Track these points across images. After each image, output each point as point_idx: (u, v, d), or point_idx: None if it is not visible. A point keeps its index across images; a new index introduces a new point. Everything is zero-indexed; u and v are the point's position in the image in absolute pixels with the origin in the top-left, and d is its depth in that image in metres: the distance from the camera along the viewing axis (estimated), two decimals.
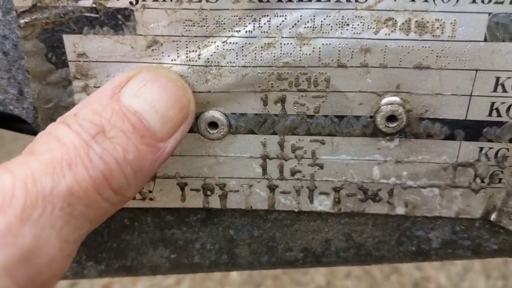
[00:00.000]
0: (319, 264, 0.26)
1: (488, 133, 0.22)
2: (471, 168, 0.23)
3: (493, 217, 0.24)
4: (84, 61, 0.22)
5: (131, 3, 0.20)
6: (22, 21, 0.21)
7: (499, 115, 0.22)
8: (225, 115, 0.23)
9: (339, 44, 0.21)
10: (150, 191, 0.25)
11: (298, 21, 0.20)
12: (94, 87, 0.22)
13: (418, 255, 0.26)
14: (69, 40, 0.21)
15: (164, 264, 0.27)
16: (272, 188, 0.24)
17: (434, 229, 0.25)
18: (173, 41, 0.21)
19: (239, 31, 0.21)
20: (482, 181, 0.23)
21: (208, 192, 0.25)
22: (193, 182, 0.24)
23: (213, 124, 0.23)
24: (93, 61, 0.22)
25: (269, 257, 0.26)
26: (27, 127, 0.26)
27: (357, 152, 0.23)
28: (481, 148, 0.23)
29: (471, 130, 0.22)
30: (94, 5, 0.21)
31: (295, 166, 0.24)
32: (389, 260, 0.26)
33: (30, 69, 0.22)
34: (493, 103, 0.22)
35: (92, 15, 0.21)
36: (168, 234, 0.26)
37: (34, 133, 0.28)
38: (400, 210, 0.24)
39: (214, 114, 0.23)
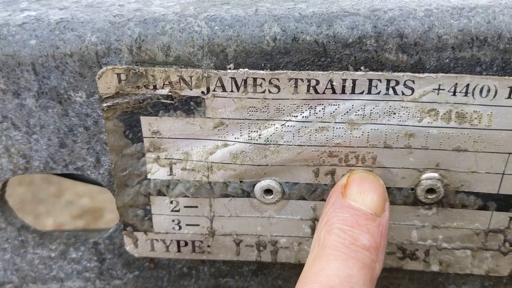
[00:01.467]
0: None
1: None
2: (501, 234, 0.26)
3: None
4: (157, 138, 0.25)
5: (203, 92, 0.23)
6: (105, 105, 0.24)
7: None
8: (280, 183, 0.25)
9: (386, 129, 0.23)
10: (208, 246, 0.28)
11: (349, 110, 0.23)
12: (165, 158, 0.25)
13: None
14: (145, 121, 0.24)
15: None
16: None
17: (465, 284, 0.28)
18: (237, 123, 0.24)
19: (297, 116, 0.23)
20: (511, 245, 0.26)
21: (261, 248, 0.27)
22: (248, 239, 0.27)
23: (269, 191, 0.26)
24: (165, 138, 0.25)
25: None
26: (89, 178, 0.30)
27: (398, 217, 0.26)
28: (511, 218, 0.25)
29: (503, 202, 0.25)
30: (170, 94, 0.23)
31: None
32: None
33: (109, 143, 0.25)
34: None
35: (168, 101, 0.24)
36: (222, 282, 0.29)
37: (93, 182, 0.31)
38: (435, 268, 0.27)
39: (270, 183, 0.25)
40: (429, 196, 0.25)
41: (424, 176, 0.24)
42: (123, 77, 0.23)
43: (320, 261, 0.21)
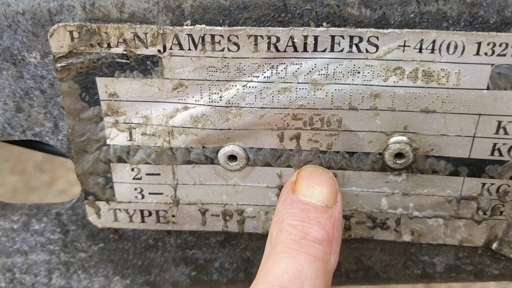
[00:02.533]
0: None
1: (490, 170, 0.24)
2: (474, 201, 0.25)
3: (494, 246, 0.26)
4: (115, 100, 0.24)
5: (159, 51, 0.22)
6: (58, 65, 0.23)
7: (500, 154, 0.23)
8: (244, 149, 0.25)
9: (351, 89, 0.22)
10: (173, 216, 0.27)
11: (312, 69, 0.22)
12: (124, 123, 0.24)
13: (423, 278, 0.28)
14: (101, 82, 0.23)
15: (184, 280, 0.29)
16: None
17: (439, 255, 0.27)
18: (197, 84, 0.23)
19: (258, 76, 0.22)
20: (484, 213, 0.25)
21: (227, 217, 0.27)
22: (213, 208, 0.26)
23: (233, 157, 0.25)
24: (123, 100, 0.24)
25: None
26: (47, 147, 0.29)
27: (367, 184, 0.25)
28: (484, 184, 0.24)
29: (474, 167, 0.24)
30: (125, 52, 0.22)
31: None
32: (395, 282, 0.28)
33: (65, 106, 0.24)
34: (495, 144, 0.23)
35: (123, 61, 0.23)
36: (189, 254, 0.28)
37: (55, 152, 0.30)
38: (406, 238, 0.26)
39: (234, 148, 0.24)
40: (397, 161, 0.24)
41: (392, 140, 0.23)
42: (75, 34, 0.22)
43: (270, 260, 0.21)
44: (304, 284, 0.20)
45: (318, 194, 0.23)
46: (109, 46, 0.22)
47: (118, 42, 0.22)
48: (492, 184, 0.24)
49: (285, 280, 0.20)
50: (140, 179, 0.26)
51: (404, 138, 0.23)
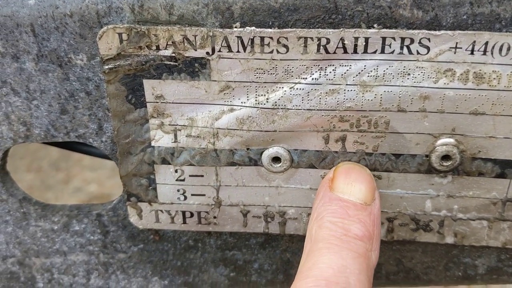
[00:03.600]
0: None
1: None
2: None
3: None
4: (161, 102, 0.24)
5: (207, 53, 0.22)
6: (106, 67, 0.23)
7: None
8: (288, 151, 0.24)
9: (400, 91, 0.22)
10: (215, 217, 0.27)
11: (362, 70, 0.22)
12: (169, 124, 0.24)
13: (464, 279, 0.27)
14: (148, 84, 0.23)
15: (223, 281, 0.29)
16: None
17: (481, 257, 0.27)
18: (244, 86, 0.23)
19: (306, 78, 0.22)
20: None
21: (269, 219, 0.27)
22: (255, 210, 0.26)
23: (277, 159, 0.25)
24: (169, 102, 0.24)
25: None
26: (87, 149, 0.29)
27: (412, 186, 0.25)
28: None
29: None
30: (173, 54, 0.22)
31: None
32: (436, 283, 0.28)
33: (111, 108, 0.24)
34: None
35: (171, 63, 0.23)
36: (228, 255, 0.28)
37: (95, 154, 0.30)
38: (449, 240, 0.26)
39: (278, 150, 0.24)
40: (444, 163, 0.24)
41: (440, 142, 0.23)
42: (124, 37, 0.22)
43: (313, 255, 0.21)
44: (349, 278, 0.20)
45: (357, 192, 0.23)
46: (158, 48, 0.22)
47: (167, 44, 0.22)
48: None
49: (330, 275, 0.20)
50: (183, 180, 0.26)
51: (451, 140, 0.23)
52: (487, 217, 0.25)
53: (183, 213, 0.27)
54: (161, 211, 0.27)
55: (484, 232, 0.26)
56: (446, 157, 0.24)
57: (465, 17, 0.21)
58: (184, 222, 0.27)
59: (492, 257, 0.27)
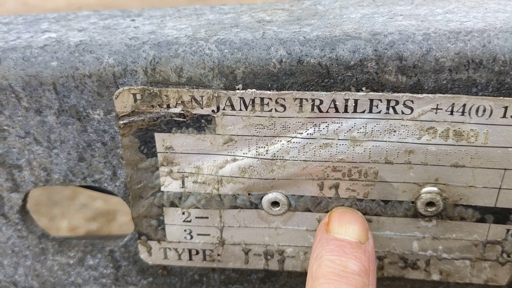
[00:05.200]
0: None
1: None
2: (498, 245, 0.27)
3: None
4: (170, 152, 0.26)
5: (213, 111, 0.25)
6: (121, 122, 0.25)
7: None
8: (286, 196, 0.27)
9: (387, 146, 0.25)
10: (218, 254, 0.29)
11: (352, 127, 0.24)
12: (178, 172, 0.27)
13: None
14: (159, 137, 0.26)
15: None
16: None
17: None
18: (246, 140, 0.25)
19: (302, 133, 0.25)
20: (508, 256, 0.27)
21: (269, 257, 0.29)
22: (256, 248, 0.29)
23: (275, 203, 0.27)
24: (178, 153, 0.26)
25: None
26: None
27: (399, 229, 0.27)
28: (508, 230, 0.26)
29: (500, 215, 0.26)
30: (182, 112, 0.25)
31: None
32: None
33: (125, 158, 0.26)
34: None
35: (180, 119, 0.25)
36: None
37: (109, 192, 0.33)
38: (435, 277, 0.28)
39: (277, 195, 0.27)
40: (429, 209, 0.26)
41: (424, 190, 0.26)
42: (138, 96, 0.25)
43: None
44: None
45: (351, 232, 0.25)
46: (168, 106, 0.25)
47: (176, 103, 0.25)
48: None
49: None
50: (190, 221, 0.28)
51: (435, 188, 0.25)
52: (469, 257, 0.27)
53: (189, 250, 0.29)
54: (169, 248, 0.29)
55: (467, 270, 0.28)
56: (430, 204, 0.26)
57: (444, 82, 0.23)
58: (190, 259, 0.29)
59: None
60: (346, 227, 0.25)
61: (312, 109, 0.24)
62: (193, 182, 0.27)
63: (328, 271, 0.23)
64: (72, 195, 1.30)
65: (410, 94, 0.23)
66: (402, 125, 0.24)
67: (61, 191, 1.30)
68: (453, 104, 0.23)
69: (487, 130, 0.24)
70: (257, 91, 0.24)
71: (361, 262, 0.24)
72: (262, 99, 0.24)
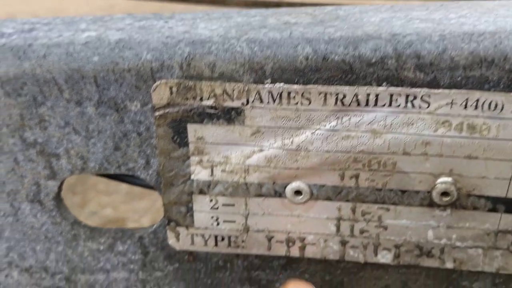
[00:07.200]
0: None
1: None
2: (509, 234, 0.28)
3: None
4: (201, 143, 0.28)
5: (243, 103, 0.27)
6: (157, 113, 0.27)
7: None
8: (309, 185, 0.29)
9: (405, 138, 0.26)
10: (243, 241, 0.31)
11: (372, 120, 0.26)
12: (207, 161, 0.28)
13: None
14: (191, 128, 0.28)
15: None
16: (343, 243, 0.30)
17: (478, 280, 0.30)
18: (272, 131, 0.27)
19: (325, 125, 0.27)
20: None
21: (290, 244, 0.30)
22: (278, 235, 0.30)
23: (298, 192, 0.29)
24: (208, 143, 0.28)
25: None
26: (131, 180, 0.33)
27: (415, 218, 0.29)
28: None
29: (510, 205, 0.27)
30: (214, 104, 0.27)
31: (364, 226, 0.29)
32: None
33: (158, 147, 0.28)
34: None
35: (212, 111, 0.27)
36: (253, 275, 0.32)
37: (139, 185, 0.35)
38: (449, 265, 0.30)
39: (300, 184, 0.29)
40: (443, 199, 0.28)
41: (439, 180, 0.27)
42: (174, 89, 0.26)
43: None
44: None
45: None
46: (201, 99, 0.27)
47: (209, 96, 0.26)
48: None
49: None
50: (217, 209, 0.30)
51: (449, 179, 0.27)
52: (482, 245, 0.29)
53: (216, 237, 0.31)
54: (196, 234, 0.31)
55: (480, 258, 0.29)
56: (445, 194, 0.27)
57: (459, 78, 0.25)
58: (216, 245, 0.31)
59: (487, 281, 0.30)
60: None
61: (336, 103, 0.26)
62: (221, 171, 0.29)
63: None
64: (81, 203, 1.32)
65: (427, 89, 0.25)
66: (419, 118, 0.26)
67: (71, 198, 1.32)
68: (467, 99, 0.25)
69: (498, 124, 0.25)
70: (285, 85, 0.26)
71: None
72: (289, 93, 0.26)
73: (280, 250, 0.31)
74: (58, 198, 0.32)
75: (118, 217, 1.25)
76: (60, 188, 0.32)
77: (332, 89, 0.26)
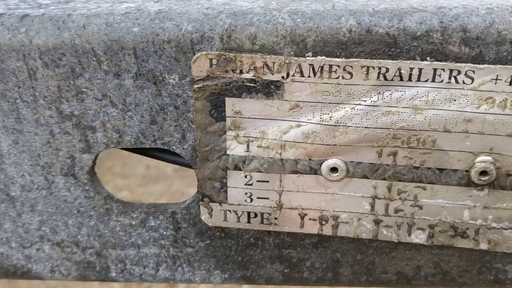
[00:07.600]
0: (409, 286, 0.32)
1: None
2: None
3: None
4: (238, 117, 0.28)
5: (283, 77, 0.26)
6: (196, 86, 0.27)
7: None
8: (345, 162, 0.28)
9: (447, 115, 0.26)
10: (275, 218, 0.31)
11: (414, 96, 0.26)
12: (244, 136, 0.28)
13: (495, 283, 0.31)
14: (229, 102, 0.27)
15: (277, 276, 0.33)
16: (377, 222, 0.30)
17: (511, 263, 0.30)
18: (311, 106, 0.27)
19: (366, 100, 0.26)
20: None
21: (323, 222, 0.30)
22: (311, 213, 0.30)
23: (334, 169, 0.29)
24: (245, 117, 0.28)
25: (367, 277, 0.32)
26: (161, 155, 0.33)
27: (452, 197, 0.28)
28: None
29: None
30: (253, 78, 0.27)
31: (399, 206, 0.29)
32: (469, 286, 0.31)
33: (195, 121, 0.28)
34: None
35: (251, 84, 0.27)
36: (284, 253, 0.32)
37: (168, 160, 0.34)
38: (483, 246, 0.30)
39: (336, 161, 0.28)
40: (482, 178, 0.27)
41: (479, 159, 0.27)
42: (214, 62, 0.26)
43: None
44: None
45: None
46: (241, 72, 0.26)
47: (249, 69, 0.26)
48: None
49: None
50: (251, 185, 0.30)
51: (489, 158, 0.27)
52: None
53: (248, 213, 0.31)
54: (229, 211, 0.31)
55: None
56: (483, 173, 0.27)
57: (505, 53, 0.25)
58: (249, 222, 0.31)
59: None
60: None
61: (378, 77, 0.26)
62: (257, 147, 0.29)
63: None
64: None
65: (472, 65, 0.25)
66: (462, 95, 0.25)
67: None
68: None
69: None
70: (327, 58, 0.26)
71: None
72: (330, 66, 0.26)
73: (312, 228, 0.31)
74: (92, 172, 0.32)
75: (135, 200, 1.25)
76: (94, 162, 0.32)
77: (375, 63, 0.25)
